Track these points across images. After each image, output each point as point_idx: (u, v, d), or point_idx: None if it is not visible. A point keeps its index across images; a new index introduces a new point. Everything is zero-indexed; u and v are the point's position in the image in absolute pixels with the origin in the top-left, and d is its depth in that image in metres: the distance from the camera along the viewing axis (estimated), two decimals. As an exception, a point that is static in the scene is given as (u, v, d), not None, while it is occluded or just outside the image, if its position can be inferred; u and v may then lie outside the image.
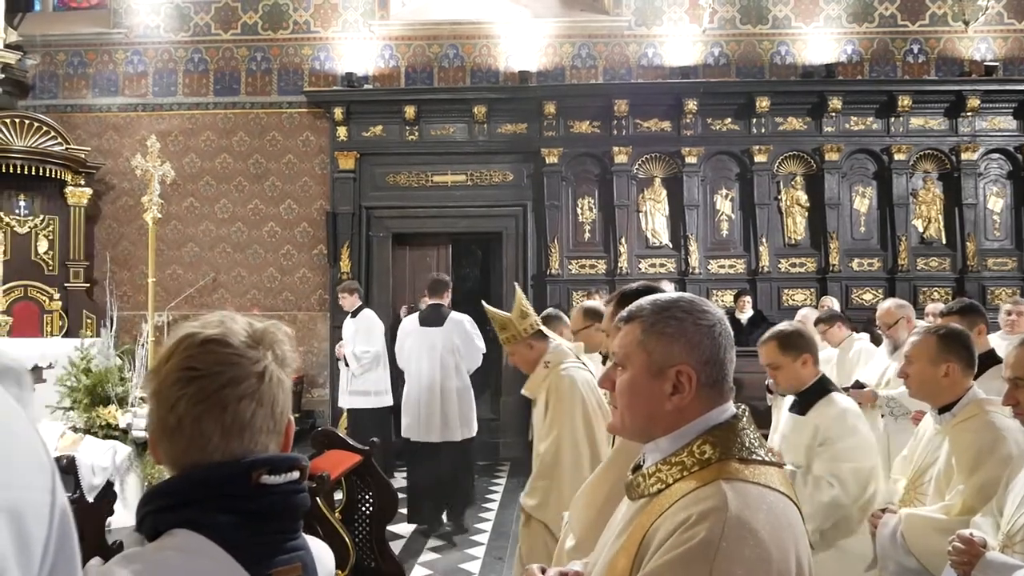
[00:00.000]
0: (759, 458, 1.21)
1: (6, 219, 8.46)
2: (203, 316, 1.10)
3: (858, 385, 4.39)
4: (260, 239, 9.28)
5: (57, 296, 8.62)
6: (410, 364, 5.78)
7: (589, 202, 8.94)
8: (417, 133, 9.02)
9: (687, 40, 8.95)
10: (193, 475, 1.01)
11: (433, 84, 9.13)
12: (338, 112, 8.89)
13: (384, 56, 9.18)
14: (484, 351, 6.04)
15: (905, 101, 8.51)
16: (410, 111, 8.82)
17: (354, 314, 6.84)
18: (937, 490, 2.47)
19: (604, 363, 3.12)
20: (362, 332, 6.72)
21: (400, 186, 9.07)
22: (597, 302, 3.51)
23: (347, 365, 6.78)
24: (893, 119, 8.69)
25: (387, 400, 6.82)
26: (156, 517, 1.00)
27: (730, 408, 1.29)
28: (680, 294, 1.39)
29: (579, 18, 9.16)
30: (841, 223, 8.72)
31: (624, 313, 1.35)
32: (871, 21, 8.91)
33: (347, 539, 3.03)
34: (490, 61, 9.15)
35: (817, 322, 5.41)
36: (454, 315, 5.83)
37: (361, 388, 6.73)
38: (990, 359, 3.31)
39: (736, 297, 8.25)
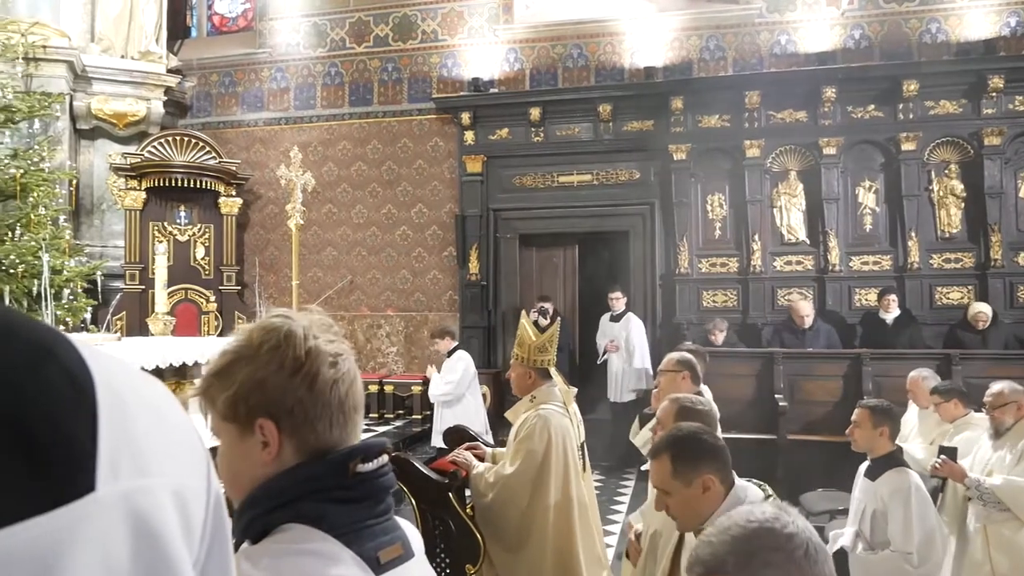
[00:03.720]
0: None
1: (169, 228, 9.25)
2: (264, 317, 1.14)
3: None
4: (393, 242, 9.64)
5: (213, 298, 9.32)
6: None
7: (719, 198, 8.64)
8: (543, 134, 9.05)
9: (824, 24, 8.48)
10: (296, 473, 1.05)
11: (558, 85, 9.14)
12: (465, 117, 9.09)
13: (509, 60, 9.29)
14: None
15: (1081, 76, 7.66)
16: (535, 113, 8.87)
17: (449, 355, 6.81)
18: None
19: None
20: (447, 372, 6.65)
21: (526, 187, 9.14)
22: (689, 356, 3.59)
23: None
24: (1066, 97, 7.85)
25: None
26: (266, 518, 1.03)
27: None
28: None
29: (706, 9, 8.89)
30: (1004, 213, 7.93)
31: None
32: (1037, -10, 8.09)
33: (478, 535, 3.07)
34: (615, 59, 9.05)
35: (932, 392, 4.66)
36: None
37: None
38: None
39: (880, 296, 7.68)
